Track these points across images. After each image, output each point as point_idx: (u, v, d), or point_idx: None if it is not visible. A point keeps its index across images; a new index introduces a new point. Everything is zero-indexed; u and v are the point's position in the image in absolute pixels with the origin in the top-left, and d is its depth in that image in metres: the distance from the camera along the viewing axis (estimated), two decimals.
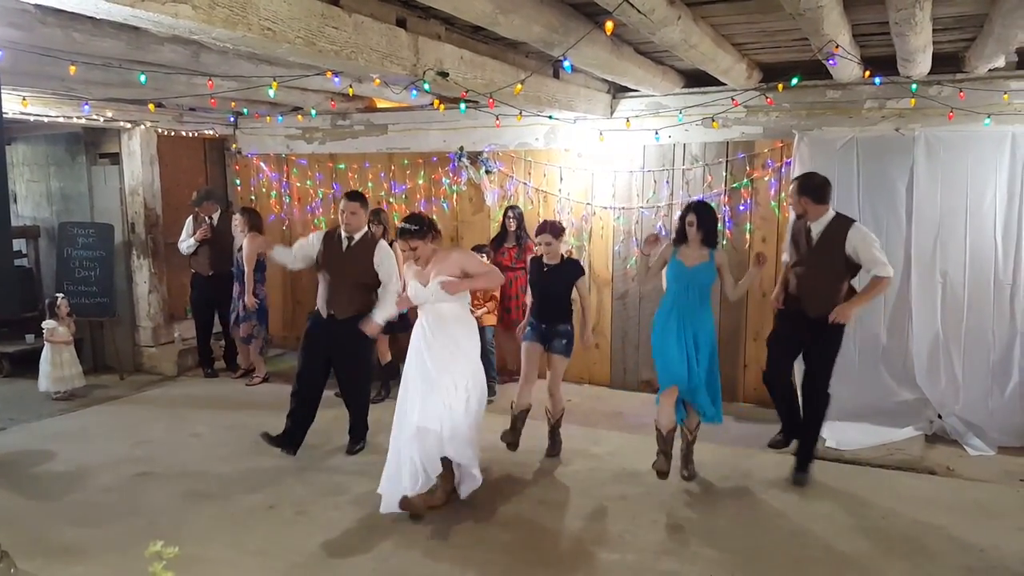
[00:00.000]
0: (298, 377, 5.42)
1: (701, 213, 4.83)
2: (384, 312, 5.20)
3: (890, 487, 4.93)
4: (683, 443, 5.03)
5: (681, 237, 4.90)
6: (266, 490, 4.86)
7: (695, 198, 5.95)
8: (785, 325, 4.97)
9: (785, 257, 5.11)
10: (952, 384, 5.71)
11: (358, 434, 5.58)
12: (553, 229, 5.21)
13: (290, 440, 5.35)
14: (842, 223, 4.68)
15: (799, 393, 5.01)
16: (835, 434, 5.61)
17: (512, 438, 5.24)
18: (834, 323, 4.60)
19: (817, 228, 4.72)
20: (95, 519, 4.48)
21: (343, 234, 5.35)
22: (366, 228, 5.47)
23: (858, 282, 4.84)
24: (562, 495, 4.79)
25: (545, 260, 5.24)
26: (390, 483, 4.39)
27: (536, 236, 5.34)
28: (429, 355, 4.39)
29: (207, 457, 5.46)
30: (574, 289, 5.31)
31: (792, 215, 5.12)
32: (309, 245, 5.46)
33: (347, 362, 5.43)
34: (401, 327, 6.46)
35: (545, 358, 5.32)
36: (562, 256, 5.29)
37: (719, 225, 6.20)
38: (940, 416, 5.70)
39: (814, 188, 4.70)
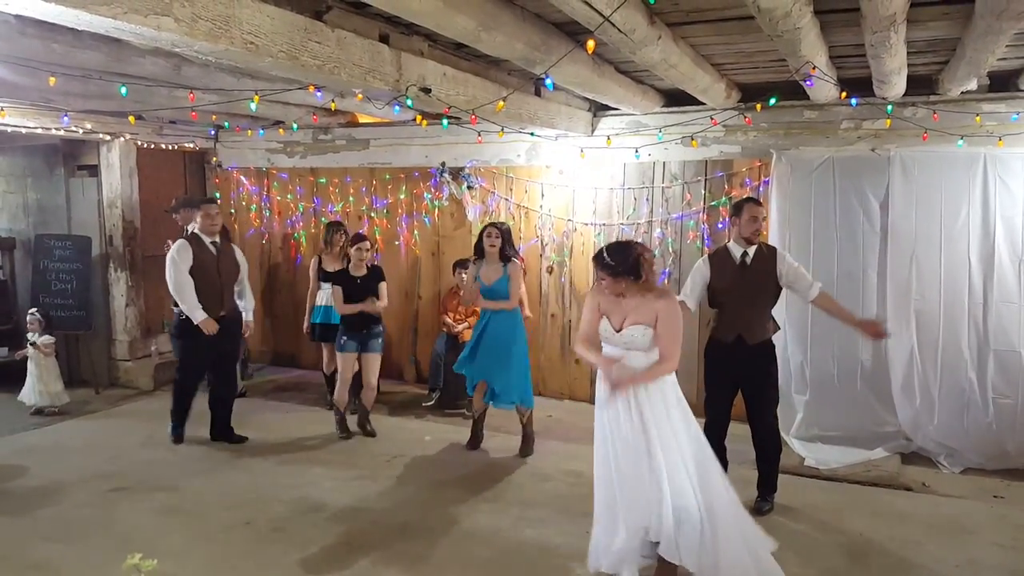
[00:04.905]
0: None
1: (502, 231, 5.62)
2: (250, 312, 6.34)
3: (867, 503, 4.97)
4: (522, 430, 5.75)
5: (480, 253, 5.66)
6: (242, 506, 4.81)
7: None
8: (717, 367, 4.73)
9: (692, 304, 4.69)
10: (927, 402, 5.74)
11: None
12: (357, 238, 6.05)
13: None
14: (769, 246, 4.79)
15: (753, 445, 4.79)
16: (813, 452, 5.67)
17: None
18: (771, 350, 4.67)
19: (752, 251, 4.63)
20: (68, 535, 4.40)
21: (207, 239, 5.78)
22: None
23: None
24: (541, 511, 4.78)
25: (352, 272, 5.99)
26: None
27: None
28: (642, 422, 3.59)
29: (183, 472, 5.39)
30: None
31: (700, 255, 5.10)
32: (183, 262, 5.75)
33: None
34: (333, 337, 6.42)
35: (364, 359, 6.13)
36: (367, 266, 6.05)
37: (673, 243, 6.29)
38: (911, 440, 5.75)
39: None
